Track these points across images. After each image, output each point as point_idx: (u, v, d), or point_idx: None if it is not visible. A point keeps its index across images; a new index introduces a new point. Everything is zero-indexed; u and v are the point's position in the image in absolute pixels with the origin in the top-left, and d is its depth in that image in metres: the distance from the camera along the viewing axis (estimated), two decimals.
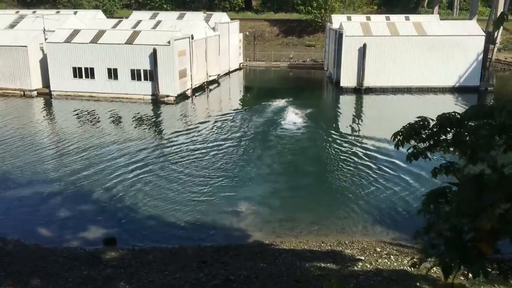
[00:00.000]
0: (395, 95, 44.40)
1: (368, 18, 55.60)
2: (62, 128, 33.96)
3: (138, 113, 38.47)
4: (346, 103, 43.96)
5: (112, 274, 14.10)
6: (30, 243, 17.27)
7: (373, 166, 25.37)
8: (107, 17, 63.03)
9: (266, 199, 21.29)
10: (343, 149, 28.87)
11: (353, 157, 27.05)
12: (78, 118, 37.61)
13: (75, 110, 39.14)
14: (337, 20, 52.79)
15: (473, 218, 4.53)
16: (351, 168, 25.25)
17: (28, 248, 16.82)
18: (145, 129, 34.87)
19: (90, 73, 42.23)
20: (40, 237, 18.03)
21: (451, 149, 6.84)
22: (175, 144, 29.68)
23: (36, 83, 43.59)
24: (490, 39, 45.98)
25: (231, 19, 60.54)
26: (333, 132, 33.10)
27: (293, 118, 35.95)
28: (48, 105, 41.66)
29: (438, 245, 4.74)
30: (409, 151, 7.16)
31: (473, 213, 4.55)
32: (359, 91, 44.65)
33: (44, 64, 43.17)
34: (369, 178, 23.68)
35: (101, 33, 43.06)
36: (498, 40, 54.37)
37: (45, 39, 43.17)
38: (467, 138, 6.46)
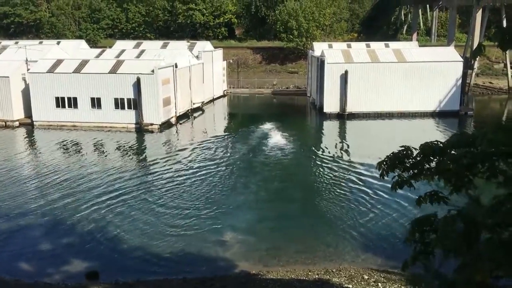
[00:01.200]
0: (378, 120, 44.98)
1: (349, 46, 56.73)
2: (44, 159, 33.42)
3: (122, 142, 38.19)
4: (330, 128, 44.31)
5: None
6: (10, 278, 16.76)
7: (360, 192, 25.40)
8: (91, 47, 63.26)
9: (252, 228, 21.08)
10: (328, 175, 28.92)
11: (339, 183, 27.08)
12: (61, 148, 37.14)
13: (58, 141, 38.66)
14: (318, 47, 53.75)
15: (462, 269, 4.52)
16: (337, 194, 25.25)
17: (8, 283, 16.31)
18: (128, 158, 34.53)
19: (73, 102, 42.00)
20: (20, 272, 17.51)
21: (436, 177, 6.90)
22: (159, 173, 29.40)
23: (18, 113, 43.14)
24: (468, 65, 47.17)
25: (215, 47, 61.24)
26: (318, 158, 33.20)
27: (279, 142, 36.11)
28: (30, 136, 41.13)
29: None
30: (394, 179, 7.21)
31: (462, 264, 4.54)
32: (342, 116, 45.15)
33: (26, 95, 42.86)
34: (356, 204, 23.67)
35: (84, 62, 43.06)
36: (475, 65, 55.85)
37: (28, 70, 42.98)
38: (451, 167, 6.53)
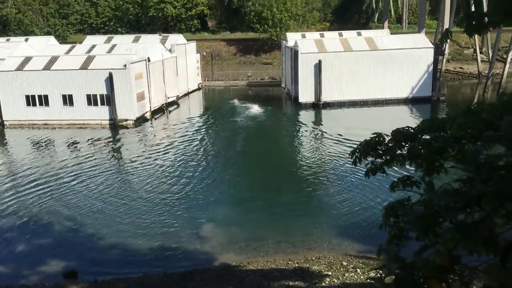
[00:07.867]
0: (352, 108, 45.39)
1: (322, 35, 56.93)
2: (16, 159, 32.68)
3: (96, 139, 37.57)
4: (306, 118, 44.45)
5: None
6: None
7: (338, 179, 25.65)
8: (60, 43, 61.87)
9: (231, 219, 21.08)
10: (306, 164, 29.09)
11: (316, 172, 27.28)
12: (33, 148, 36.37)
13: (30, 140, 37.87)
14: (292, 38, 53.80)
15: (421, 252, 4.58)
16: (315, 183, 25.44)
17: None
18: (102, 155, 33.95)
19: (44, 100, 41.08)
20: None
21: (407, 162, 6.98)
22: (134, 168, 29.09)
23: None
24: (438, 51, 47.91)
25: (188, 40, 60.66)
26: (295, 147, 33.35)
27: (255, 133, 36.14)
28: (0, 136, 40.11)
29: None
30: (367, 166, 7.27)
31: (422, 247, 4.61)
32: (318, 106, 45.43)
33: None
34: (334, 192, 23.90)
35: (54, 59, 42.11)
36: (446, 51, 56.75)
37: None
38: (422, 152, 6.62)
